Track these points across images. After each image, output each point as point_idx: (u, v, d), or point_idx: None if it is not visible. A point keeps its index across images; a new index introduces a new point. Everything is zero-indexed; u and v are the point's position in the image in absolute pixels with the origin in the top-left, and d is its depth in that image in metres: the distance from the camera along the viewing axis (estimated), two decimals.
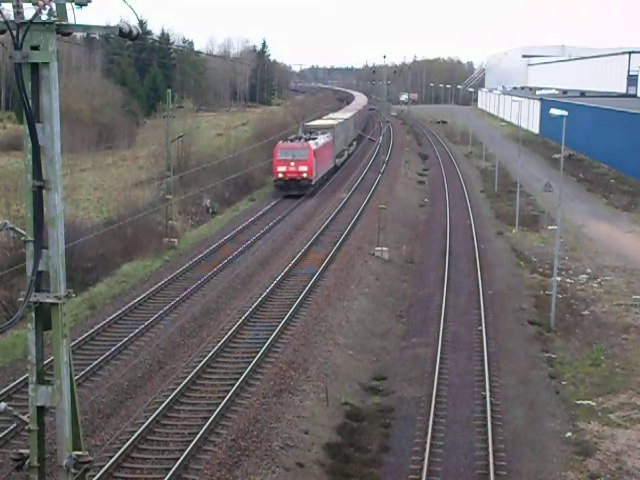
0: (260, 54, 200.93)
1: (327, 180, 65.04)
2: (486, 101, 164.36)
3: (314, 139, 60.12)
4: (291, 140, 59.65)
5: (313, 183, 57.51)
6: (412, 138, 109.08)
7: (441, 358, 27.00)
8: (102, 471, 18.09)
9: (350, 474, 19.53)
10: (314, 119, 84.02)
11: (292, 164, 55.85)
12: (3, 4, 9.41)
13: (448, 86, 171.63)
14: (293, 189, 56.53)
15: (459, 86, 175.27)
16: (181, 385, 23.23)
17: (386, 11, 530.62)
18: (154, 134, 74.41)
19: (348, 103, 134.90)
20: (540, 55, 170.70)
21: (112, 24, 9.96)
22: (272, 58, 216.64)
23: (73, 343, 25.06)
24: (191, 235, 46.47)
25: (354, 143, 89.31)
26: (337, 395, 24.04)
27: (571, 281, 37.84)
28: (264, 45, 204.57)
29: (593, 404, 23.98)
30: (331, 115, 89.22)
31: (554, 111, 32.33)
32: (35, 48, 9.56)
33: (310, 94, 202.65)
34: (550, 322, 31.05)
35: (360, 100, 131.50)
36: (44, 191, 10.00)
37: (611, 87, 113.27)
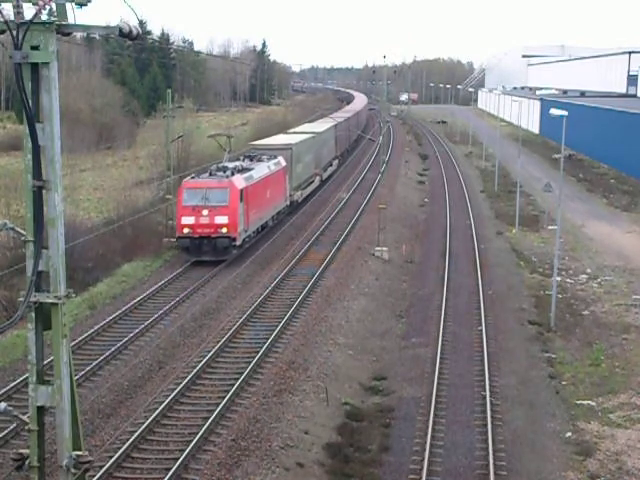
0: (260, 54, 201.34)
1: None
2: (486, 101, 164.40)
3: (247, 170, 40.80)
4: (210, 173, 39.25)
5: (238, 243, 37.75)
6: (412, 138, 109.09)
7: (441, 358, 26.99)
8: (102, 471, 18.08)
9: (350, 474, 19.52)
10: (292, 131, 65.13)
11: (204, 213, 36.52)
12: (3, 4, 9.43)
13: (448, 86, 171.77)
14: (206, 252, 37.07)
15: (459, 86, 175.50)
16: (181, 385, 23.23)
17: (386, 11, 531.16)
18: (154, 134, 74.46)
19: (348, 103, 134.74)
20: (540, 55, 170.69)
21: (112, 24, 9.97)
22: (272, 58, 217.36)
23: (73, 343, 25.06)
24: None
25: (334, 162, 70.15)
26: (337, 395, 24.04)
27: (571, 281, 37.85)
28: (264, 45, 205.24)
29: (593, 404, 23.99)
30: (302, 127, 69.07)
31: (554, 111, 32.36)
32: (35, 48, 9.57)
33: (311, 94, 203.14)
34: (550, 322, 31.06)
35: (359, 101, 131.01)
36: (44, 191, 10.02)
37: (611, 87, 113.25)
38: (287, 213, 49.19)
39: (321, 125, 69.93)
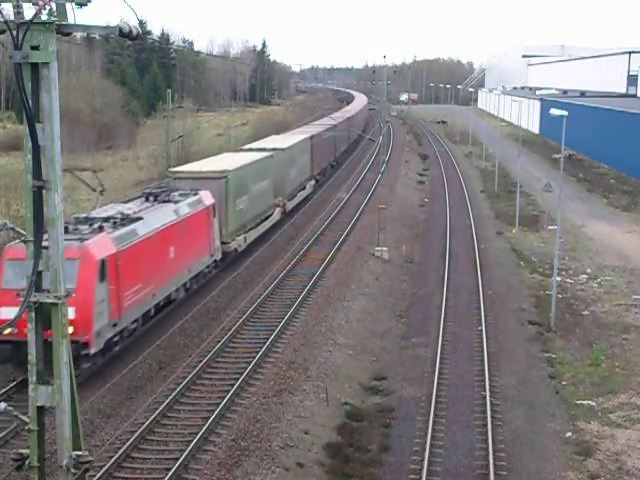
0: (260, 54, 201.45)
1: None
2: (486, 101, 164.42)
3: (129, 222, 26.44)
4: (66, 230, 22.58)
5: (95, 349, 23.19)
6: (412, 138, 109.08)
7: (441, 358, 26.98)
8: (102, 471, 18.08)
9: (350, 474, 19.52)
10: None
11: None
12: (3, 4, 9.44)
13: (448, 86, 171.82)
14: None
15: (459, 86, 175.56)
16: (181, 385, 23.22)
17: (386, 11, 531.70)
18: (154, 134, 74.59)
19: (348, 103, 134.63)
20: (540, 55, 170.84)
21: (112, 24, 9.99)
22: (272, 58, 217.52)
23: None
24: None
25: (308, 185, 55.54)
26: (337, 395, 24.04)
27: (571, 281, 37.85)
28: (264, 45, 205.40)
29: (593, 404, 23.99)
30: (262, 142, 52.46)
31: (554, 111, 32.37)
32: (35, 48, 9.58)
33: (311, 94, 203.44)
34: (550, 322, 31.06)
35: (359, 101, 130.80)
36: (44, 191, 10.03)
37: (611, 87, 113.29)
38: (220, 269, 35.36)
39: (289, 138, 55.06)
